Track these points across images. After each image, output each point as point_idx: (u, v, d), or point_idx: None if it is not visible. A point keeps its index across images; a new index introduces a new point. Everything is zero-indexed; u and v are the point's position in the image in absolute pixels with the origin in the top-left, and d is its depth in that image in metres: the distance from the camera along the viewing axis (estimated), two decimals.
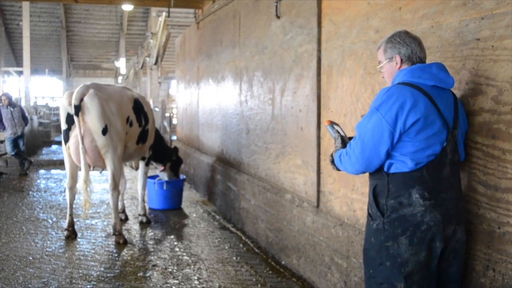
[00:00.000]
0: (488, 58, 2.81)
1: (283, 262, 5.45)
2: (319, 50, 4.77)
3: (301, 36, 5.10)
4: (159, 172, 8.03)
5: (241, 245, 6.13)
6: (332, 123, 3.03)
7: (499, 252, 2.77)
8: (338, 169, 2.97)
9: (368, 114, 2.68)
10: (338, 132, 2.99)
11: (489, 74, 2.81)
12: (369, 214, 2.79)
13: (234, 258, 5.66)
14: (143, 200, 7.28)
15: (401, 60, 2.80)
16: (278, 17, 5.59)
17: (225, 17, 7.68)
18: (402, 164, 2.64)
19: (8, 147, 11.72)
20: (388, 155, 2.67)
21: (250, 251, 5.90)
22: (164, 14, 16.98)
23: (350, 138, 2.95)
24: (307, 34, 4.95)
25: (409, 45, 2.79)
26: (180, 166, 8.31)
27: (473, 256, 2.94)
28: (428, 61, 3.23)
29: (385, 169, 2.70)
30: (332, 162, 2.99)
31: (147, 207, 7.63)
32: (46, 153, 16.27)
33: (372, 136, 2.64)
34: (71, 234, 6.36)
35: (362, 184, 4.06)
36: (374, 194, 2.74)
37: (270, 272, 5.23)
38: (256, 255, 5.75)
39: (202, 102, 9.35)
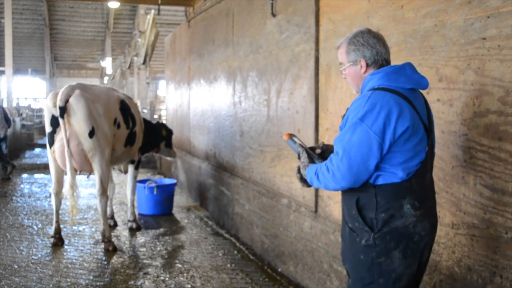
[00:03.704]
0: (494, 57, 2.78)
1: (279, 270, 5.33)
2: (317, 50, 4.72)
3: (298, 35, 5.00)
4: (156, 154, 7.83)
5: (235, 251, 6.00)
6: (291, 136, 2.80)
7: (507, 257, 2.72)
8: (309, 186, 2.76)
9: (351, 126, 2.46)
10: (302, 146, 2.75)
11: (495, 74, 2.78)
12: (351, 230, 2.59)
13: (229, 265, 5.53)
14: (133, 206, 7.12)
15: (367, 64, 2.63)
16: (273, 15, 5.48)
17: (218, 15, 7.54)
18: (392, 175, 2.49)
19: None
20: (376, 167, 2.50)
21: (245, 258, 5.78)
22: (152, 12, 16.80)
23: (312, 149, 2.78)
24: (305, 33, 4.87)
25: (373, 47, 2.63)
26: (171, 138, 8.07)
27: (479, 262, 2.92)
28: (432, 61, 3.21)
29: (371, 181, 2.51)
30: (301, 179, 2.76)
31: (136, 213, 7.45)
32: (29, 157, 16.00)
33: (359, 150, 2.43)
34: (58, 241, 6.20)
35: None
36: (358, 208, 2.55)
37: (267, 279, 5.13)
38: (251, 262, 5.64)
39: (193, 103, 9.20)
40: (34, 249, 6.02)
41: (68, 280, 5.05)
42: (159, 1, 9.74)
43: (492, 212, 2.81)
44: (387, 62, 2.67)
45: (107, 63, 32.83)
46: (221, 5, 7.38)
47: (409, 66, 2.61)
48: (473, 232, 2.93)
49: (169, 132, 7.99)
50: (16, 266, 5.41)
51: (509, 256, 2.70)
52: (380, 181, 2.50)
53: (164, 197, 7.88)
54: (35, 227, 7.06)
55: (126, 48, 27.11)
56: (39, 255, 5.80)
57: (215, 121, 7.76)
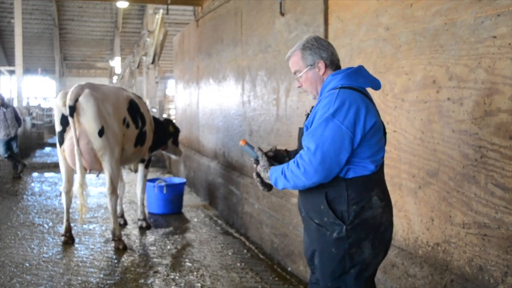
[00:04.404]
0: (505, 56, 2.77)
1: (289, 269, 5.32)
2: None
3: (307, 34, 4.90)
4: (163, 151, 7.85)
5: (245, 251, 6.00)
6: (247, 142, 2.82)
7: None
8: (270, 190, 2.82)
9: (322, 122, 2.50)
10: (260, 150, 2.78)
11: (506, 72, 2.77)
12: (318, 225, 2.61)
13: (238, 264, 5.52)
14: (143, 204, 7.13)
15: (325, 65, 2.71)
16: (282, 14, 5.47)
17: (226, 14, 7.53)
18: (363, 168, 2.58)
19: (0, 149, 11.51)
20: (346, 161, 2.55)
21: (254, 257, 5.77)
22: (161, 11, 16.82)
23: (266, 154, 2.79)
24: (313, 32, 4.86)
25: (328, 49, 2.74)
26: (178, 135, 8.05)
27: (490, 262, 2.91)
28: (442, 60, 3.25)
29: (342, 174, 2.57)
30: (262, 183, 2.80)
31: (146, 212, 7.45)
32: (40, 156, 16.08)
33: (332, 145, 2.48)
34: (69, 240, 6.23)
35: None
36: (328, 202, 2.58)
37: (276, 279, 5.11)
38: (261, 261, 5.63)
39: (202, 102, 9.21)
40: (45, 247, 6.05)
41: (79, 278, 5.07)
42: (168, 1, 9.73)
43: (503, 211, 2.80)
44: (339, 62, 2.77)
45: (116, 63, 32.94)
46: (230, 4, 7.38)
47: (363, 68, 2.73)
48: (485, 231, 2.92)
49: (176, 129, 7.98)
50: (27, 264, 5.43)
51: None
52: (350, 175, 2.57)
53: (174, 196, 7.88)
54: (45, 225, 7.09)
55: (135, 48, 27.17)
56: (50, 253, 5.82)
57: (224, 120, 7.76)
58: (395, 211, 3.72)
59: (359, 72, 2.68)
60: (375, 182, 2.61)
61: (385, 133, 2.72)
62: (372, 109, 2.56)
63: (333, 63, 2.72)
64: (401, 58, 3.62)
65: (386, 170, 3.77)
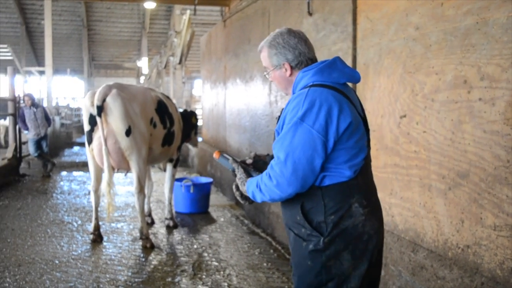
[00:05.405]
0: None
1: None
2: (354, 49, 4.67)
3: (335, 34, 4.96)
4: (187, 143, 7.90)
5: (271, 250, 5.99)
6: (222, 154, 2.65)
7: None
8: (251, 203, 2.61)
9: (291, 127, 2.30)
10: (235, 161, 2.59)
11: None
12: (296, 235, 2.44)
13: (265, 264, 5.52)
14: (170, 204, 7.16)
15: (291, 67, 2.52)
16: (310, 14, 5.45)
17: (254, 14, 7.54)
18: (339, 174, 2.37)
19: (31, 148, 11.73)
20: (321, 168, 2.36)
21: (281, 257, 5.75)
22: (188, 12, 16.93)
23: (244, 162, 2.62)
24: (342, 31, 4.82)
25: (295, 48, 2.50)
26: (197, 126, 8.07)
27: None
28: (473, 59, 3.20)
29: (317, 183, 2.37)
30: (242, 196, 2.61)
31: (173, 211, 7.48)
32: (68, 155, 16.33)
33: (303, 152, 2.28)
34: (97, 238, 6.31)
35: (401, 188, 3.99)
36: (304, 213, 2.39)
37: None
38: (287, 262, 5.60)
39: (229, 102, 9.23)
40: (74, 245, 6.14)
41: (107, 276, 5.13)
42: (196, 1, 9.79)
43: None
44: (312, 61, 2.55)
45: (143, 63, 33.22)
46: (257, 4, 7.38)
47: (339, 60, 2.51)
48: None
49: (197, 119, 7.98)
50: (57, 261, 5.52)
51: None
52: (326, 182, 2.37)
53: (201, 195, 7.91)
54: (74, 223, 7.20)
55: (162, 48, 27.41)
56: (79, 251, 5.90)
57: (251, 120, 7.77)
58: (424, 213, 3.69)
59: (333, 65, 2.45)
60: (355, 188, 2.38)
61: (367, 130, 2.52)
62: (347, 108, 2.33)
63: (301, 63, 2.51)
64: (431, 58, 3.58)
65: (415, 171, 3.76)
